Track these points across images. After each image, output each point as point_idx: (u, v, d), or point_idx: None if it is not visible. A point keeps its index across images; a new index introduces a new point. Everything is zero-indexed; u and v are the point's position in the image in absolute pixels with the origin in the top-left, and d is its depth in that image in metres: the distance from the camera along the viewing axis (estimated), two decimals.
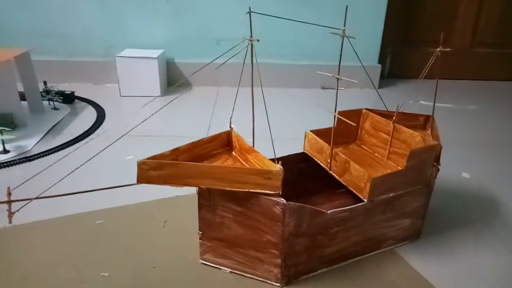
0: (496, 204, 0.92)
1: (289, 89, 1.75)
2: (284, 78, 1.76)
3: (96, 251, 0.72)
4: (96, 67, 1.71)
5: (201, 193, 0.64)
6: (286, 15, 1.74)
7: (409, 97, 1.68)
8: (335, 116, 0.74)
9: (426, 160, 0.70)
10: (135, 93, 1.59)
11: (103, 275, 0.66)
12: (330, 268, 0.70)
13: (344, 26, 0.70)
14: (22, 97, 1.34)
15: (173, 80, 1.76)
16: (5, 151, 1.08)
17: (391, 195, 0.69)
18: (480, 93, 1.81)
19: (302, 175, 0.87)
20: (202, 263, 0.70)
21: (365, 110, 0.88)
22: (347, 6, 0.69)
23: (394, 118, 0.79)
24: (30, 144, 1.13)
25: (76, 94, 1.55)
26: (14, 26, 1.65)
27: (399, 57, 1.92)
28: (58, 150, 1.11)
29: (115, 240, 0.76)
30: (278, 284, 0.66)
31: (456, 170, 1.07)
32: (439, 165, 0.72)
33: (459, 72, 1.94)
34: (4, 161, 1.03)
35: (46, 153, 1.09)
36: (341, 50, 0.72)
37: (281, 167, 0.60)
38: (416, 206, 0.74)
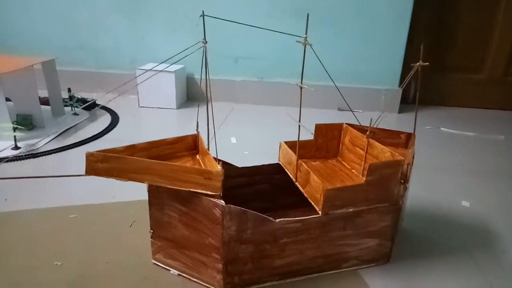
0: (489, 237, 0.83)
1: (305, 109, 1.74)
2: (299, 98, 1.75)
3: (58, 242, 0.75)
4: (122, 79, 1.80)
5: (150, 191, 0.65)
6: (302, 31, 1.75)
7: (431, 124, 1.60)
8: (299, 126, 0.72)
9: (390, 177, 0.66)
10: (152, 104, 1.66)
11: (56, 263, 0.69)
12: (282, 282, 0.67)
13: (306, 34, 0.69)
14: (47, 102, 1.46)
15: (193, 94, 1.81)
16: (16, 147, 1.16)
17: (350, 210, 0.66)
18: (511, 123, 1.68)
19: (278, 187, 0.85)
20: (154, 263, 0.70)
21: (346, 124, 0.85)
22: (308, 14, 0.69)
23: (368, 133, 0.76)
24: (41, 142, 1.22)
25: (98, 103, 1.65)
26: (52, 39, 1.81)
27: (427, 83, 1.84)
28: (65, 150, 1.18)
29: (80, 234, 0.78)
30: None
31: (457, 198, 0.99)
32: (407, 183, 0.67)
33: (491, 101, 1.82)
34: (12, 155, 1.12)
35: (53, 151, 1.17)
36: (304, 58, 0.71)
37: (222, 168, 0.59)
38: (383, 226, 0.69)
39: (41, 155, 1.14)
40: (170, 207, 0.64)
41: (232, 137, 1.34)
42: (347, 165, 0.83)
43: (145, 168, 0.60)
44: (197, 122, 0.76)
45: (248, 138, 1.35)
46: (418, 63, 0.75)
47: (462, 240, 0.82)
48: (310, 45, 0.69)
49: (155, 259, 0.70)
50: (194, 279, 0.66)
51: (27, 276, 0.66)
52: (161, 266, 0.69)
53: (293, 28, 1.71)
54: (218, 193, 0.59)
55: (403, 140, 0.82)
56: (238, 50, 1.73)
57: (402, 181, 0.67)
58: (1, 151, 1.14)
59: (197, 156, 0.74)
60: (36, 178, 0.99)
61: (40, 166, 1.09)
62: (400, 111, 1.76)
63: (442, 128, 1.53)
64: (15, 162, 1.10)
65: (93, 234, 0.78)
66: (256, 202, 0.84)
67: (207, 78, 0.67)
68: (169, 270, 0.68)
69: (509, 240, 0.82)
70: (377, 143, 0.74)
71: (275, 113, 1.67)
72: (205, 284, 0.65)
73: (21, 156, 1.12)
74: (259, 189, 0.85)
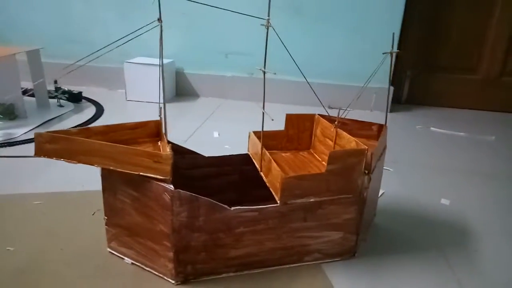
0: (464, 235, 0.80)
1: (295, 106, 1.72)
2: (292, 95, 1.73)
3: (16, 227, 0.73)
4: (112, 73, 1.80)
5: (103, 175, 0.63)
6: (298, 29, 1.73)
7: (422, 123, 1.57)
8: (263, 113, 0.70)
9: (353, 166, 0.63)
10: (139, 98, 1.64)
11: (8, 249, 0.67)
12: (239, 273, 0.65)
13: (269, 16, 0.66)
14: (31, 93, 1.45)
15: (182, 89, 1.80)
16: None
17: (312, 200, 0.63)
18: (505, 125, 1.63)
19: (248, 178, 0.82)
20: (110, 252, 0.68)
21: (318, 115, 0.82)
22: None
23: (336, 122, 0.73)
24: (20, 132, 1.20)
25: (88, 96, 1.64)
26: (45, 31, 1.80)
27: (420, 83, 1.81)
28: None
29: (41, 220, 0.76)
30: (173, 281, 0.61)
31: (437, 196, 0.96)
32: (371, 174, 0.65)
33: (486, 103, 1.78)
34: None
35: (31, 140, 1.15)
36: (267, 40, 0.69)
37: (171, 151, 0.57)
38: (347, 218, 0.67)
39: (19, 144, 1.13)
40: (123, 193, 0.62)
41: (215, 132, 1.31)
42: (318, 157, 0.80)
43: (94, 150, 0.58)
44: (160, 107, 0.74)
45: (232, 132, 1.33)
46: (390, 51, 0.72)
47: (436, 237, 0.79)
48: (273, 28, 0.67)
49: (110, 248, 0.68)
50: (147, 268, 0.64)
51: None
52: (116, 255, 0.67)
53: (286, 24, 1.69)
54: (168, 178, 0.57)
55: (375, 132, 0.79)
56: (229, 45, 1.71)
57: (366, 172, 0.64)
58: None
59: (159, 143, 0.72)
60: None
61: (16, 154, 1.07)
62: (392, 110, 1.72)
63: (432, 128, 1.49)
64: None
65: (53, 221, 0.76)
66: (225, 194, 0.82)
67: (161, 58, 0.65)
68: (123, 259, 0.66)
69: (483, 240, 0.79)
70: (344, 133, 0.72)
71: (267, 110, 1.64)
72: (157, 273, 0.63)
73: None
74: (229, 180, 0.83)
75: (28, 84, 1.45)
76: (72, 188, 0.89)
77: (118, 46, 0.75)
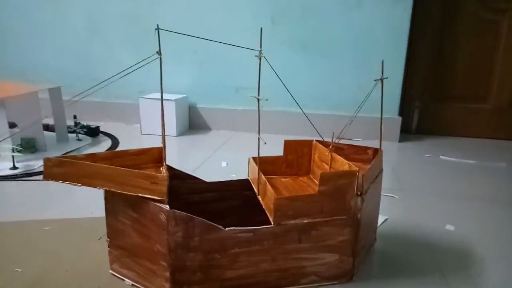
0: (468, 261, 0.79)
1: (303, 137, 1.74)
2: (301, 126, 1.76)
3: (25, 251, 0.77)
4: (129, 109, 1.89)
5: (106, 198, 0.66)
6: (304, 64, 1.79)
7: (432, 152, 1.56)
8: (259, 139, 0.73)
9: (345, 188, 0.64)
10: (153, 132, 1.71)
11: (17, 270, 0.70)
12: None
13: (260, 48, 0.71)
14: (53, 128, 1.54)
15: (195, 122, 1.86)
16: (14, 167, 1.22)
17: (305, 221, 0.64)
18: None
19: (249, 203, 0.84)
20: (112, 274, 0.70)
21: (315, 141, 0.85)
22: (261, 28, 0.71)
23: (330, 147, 0.75)
24: (38, 164, 1.27)
25: (105, 130, 1.72)
26: (66, 70, 1.93)
27: (430, 113, 1.82)
28: None
29: (49, 244, 0.79)
30: None
31: (442, 222, 0.94)
32: (363, 195, 0.66)
33: (497, 132, 1.76)
34: (8, 174, 1.17)
35: None
36: (259, 71, 0.73)
37: (167, 173, 0.60)
38: (341, 240, 0.67)
39: (36, 175, 1.19)
40: (124, 214, 0.65)
41: (223, 162, 1.35)
42: (316, 182, 0.82)
43: (96, 172, 0.62)
44: (164, 135, 0.78)
45: (240, 162, 1.35)
46: (380, 77, 0.76)
47: (438, 262, 0.77)
48: (265, 58, 0.71)
49: (112, 269, 0.70)
50: None
51: None
52: (118, 276, 0.69)
53: (292, 59, 1.75)
54: (164, 198, 0.60)
55: (370, 156, 0.80)
56: (239, 80, 1.78)
57: (359, 193, 0.66)
58: (0, 170, 1.20)
59: (161, 168, 0.76)
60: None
61: (32, 185, 1.13)
62: (402, 140, 1.73)
63: (441, 156, 1.48)
64: (11, 181, 1.15)
65: (61, 245, 0.79)
66: (226, 219, 0.83)
67: (161, 89, 0.70)
68: (124, 280, 0.68)
69: (488, 265, 0.77)
70: (338, 157, 0.74)
71: (272, 141, 1.68)
72: None
73: (16, 175, 1.17)
74: (230, 205, 0.85)
75: (50, 121, 1.54)
76: (82, 215, 0.93)
77: (120, 78, 0.80)
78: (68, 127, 1.58)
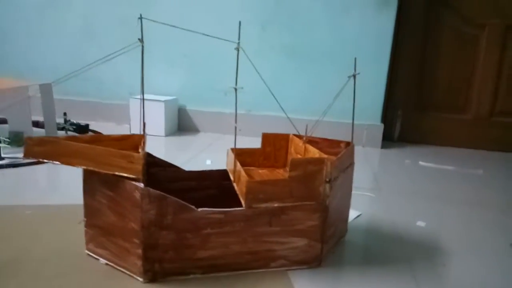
0: (434, 253, 0.81)
1: None
2: (287, 130, 1.80)
3: (5, 231, 0.78)
4: (120, 109, 1.91)
5: (85, 178, 0.69)
6: (293, 69, 1.83)
7: (411, 158, 1.60)
8: (235, 127, 0.76)
9: (314, 174, 0.67)
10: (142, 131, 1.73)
11: None
12: (206, 275, 0.67)
13: (239, 40, 0.75)
14: (42, 125, 1.56)
15: (184, 124, 1.89)
16: (1, 158, 1.24)
17: (275, 205, 0.67)
18: (494, 162, 1.65)
19: (227, 193, 0.87)
20: (87, 254, 0.72)
21: (292, 135, 0.88)
22: (240, 22, 0.75)
23: (304, 138, 0.79)
24: None
25: (95, 129, 1.75)
26: (59, 69, 1.96)
27: (412, 122, 1.86)
28: (44, 163, 1.25)
29: (29, 226, 0.81)
30: (142, 279, 0.65)
31: (414, 219, 0.97)
32: (330, 181, 0.69)
33: (477, 142, 1.81)
34: None
35: (32, 163, 1.23)
36: (237, 61, 0.76)
37: (143, 152, 0.63)
38: (310, 225, 0.70)
39: (22, 166, 1.21)
40: (101, 193, 0.67)
41: (208, 160, 1.38)
42: None
43: (75, 151, 0.64)
44: (144, 123, 0.81)
45: (223, 161, 1.39)
46: (353, 73, 0.79)
47: (406, 254, 0.80)
48: (243, 50, 0.75)
49: (87, 249, 0.72)
50: (119, 268, 0.67)
51: None
52: (92, 256, 0.71)
53: (281, 64, 1.80)
54: (139, 177, 0.63)
55: (343, 149, 0.84)
56: (228, 84, 1.82)
57: (327, 180, 0.69)
58: None
59: (139, 149, 0.78)
60: None
61: (17, 173, 1.15)
62: (385, 147, 1.76)
63: (420, 162, 1.52)
64: None
65: (41, 227, 0.81)
66: (205, 207, 0.86)
67: (142, 76, 0.73)
68: (98, 259, 0.70)
69: (453, 256, 0.80)
70: (312, 148, 0.77)
71: (258, 143, 1.71)
72: (128, 272, 0.66)
73: (2, 165, 1.19)
74: (208, 194, 0.87)
75: (40, 118, 1.57)
76: (66, 202, 0.95)
77: (93, 66, 0.83)
78: (58, 124, 1.60)
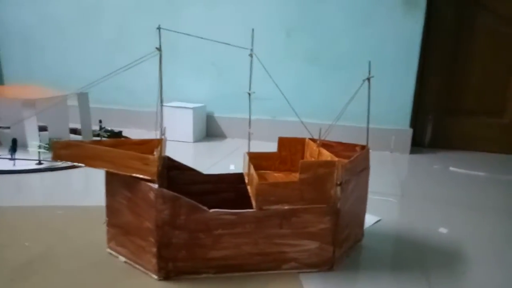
0: (454, 260, 0.79)
1: None
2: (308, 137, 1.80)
3: (36, 229, 0.84)
4: (150, 116, 1.99)
5: (107, 180, 0.73)
6: (317, 75, 1.83)
7: (441, 164, 1.55)
8: (249, 133, 0.78)
9: (325, 177, 0.68)
10: (172, 138, 1.79)
11: (26, 244, 0.77)
12: (218, 275, 0.69)
13: (252, 46, 0.77)
14: (80, 132, 1.66)
15: (212, 131, 1.94)
16: (40, 163, 1.33)
17: (286, 207, 0.68)
18: None
19: (243, 196, 0.89)
20: (109, 252, 0.76)
21: (308, 139, 0.89)
22: (253, 29, 0.77)
23: (318, 142, 0.79)
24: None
25: (127, 135, 1.83)
26: (94, 79, 2.07)
27: (443, 126, 1.80)
28: (79, 168, 1.33)
29: (58, 225, 0.87)
30: (156, 277, 0.68)
31: (436, 225, 0.95)
32: (341, 184, 0.69)
33: None
34: (34, 168, 1.28)
35: (69, 167, 1.31)
36: (251, 66, 0.78)
37: (157, 155, 0.66)
38: (322, 228, 0.70)
39: (59, 170, 1.29)
40: (121, 194, 0.71)
41: (232, 165, 1.40)
42: None
43: (97, 154, 0.69)
44: (164, 127, 0.85)
45: None
46: (368, 76, 0.79)
47: (423, 261, 0.78)
48: (256, 56, 0.77)
49: (109, 247, 0.76)
50: (136, 265, 0.71)
51: None
52: (113, 254, 0.75)
53: (305, 71, 1.81)
54: (154, 178, 0.66)
55: (358, 152, 0.83)
56: (254, 91, 1.85)
57: (339, 183, 0.69)
58: (28, 165, 1.31)
59: (154, 152, 0.82)
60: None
61: (54, 177, 1.23)
62: (415, 152, 1.72)
63: (451, 168, 1.47)
64: (36, 173, 1.25)
65: (69, 226, 0.87)
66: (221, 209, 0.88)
67: (161, 83, 0.77)
68: (118, 257, 0.74)
69: (474, 265, 0.77)
70: (324, 151, 0.77)
71: None
72: (144, 269, 0.70)
73: (41, 169, 1.28)
74: (225, 197, 0.89)
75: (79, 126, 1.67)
76: (94, 203, 1.01)
77: (116, 74, 0.87)
78: (94, 131, 1.70)
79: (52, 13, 2.08)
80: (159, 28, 0.75)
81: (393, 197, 1.12)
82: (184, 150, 1.69)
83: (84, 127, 1.64)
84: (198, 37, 0.87)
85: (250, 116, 0.80)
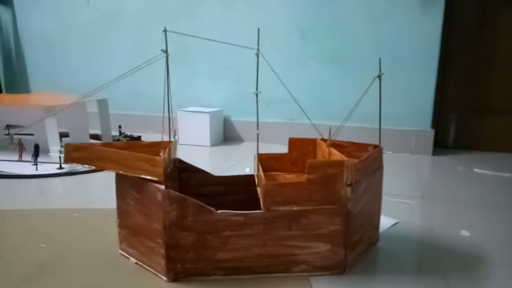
0: (475, 264, 0.75)
1: None
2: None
3: (53, 231, 0.86)
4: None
5: (116, 181, 0.74)
6: (333, 76, 1.81)
7: (465, 165, 1.49)
8: (258, 134, 0.77)
9: (334, 177, 0.66)
10: (189, 142, 1.81)
11: (41, 245, 0.79)
12: (227, 277, 0.68)
13: (258, 46, 0.76)
14: (101, 138, 1.70)
15: (229, 134, 1.94)
16: (61, 167, 1.36)
17: (294, 208, 0.67)
18: None
19: (255, 198, 0.87)
20: (120, 253, 0.76)
21: (319, 140, 0.87)
22: (258, 29, 0.76)
23: (328, 142, 0.77)
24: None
25: (145, 139, 1.86)
26: (115, 86, 2.11)
27: (467, 126, 1.74)
28: (99, 172, 1.35)
29: (73, 227, 0.88)
30: (165, 278, 0.67)
31: (458, 228, 0.91)
32: (351, 185, 0.67)
33: None
34: (55, 172, 1.31)
35: (89, 171, 1.34)
36: (258, 66, 0.78)
37: (164, 156, 0.66)
38: (332, 229, 0.68)
39: (78, 174, 1.32)
40: (130, 196, 0.72)
41: (247, 168, 1.40)
42: None
43: (106, 156, 0.69)
44: (175, 130, 0.85)
45: None
46: (378, 74, 0.77)
47: (442, 264, 0.75)
48: (263, 56, 0.76)
49: (120, 249, 0.76)
50: (146, 267, 0.71)
51: (14, 252, 0.77)
52: (124, 255, 0.75)
53: (322, 73, 1.79)
54: (161, 179, 0.66)
55: (371, 152, 0.81)
56: (270, 95, 1.84)
57: (349, 183, 0.67)
58: (49, 168, 1.35)
59: (161, 153, 0.82)
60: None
61: (74, 181, 1.26)
62: (438, 154, 1.66)
63: (475, 169, 1.41)
64: (57, 177, 1.29)
65: (84, 229, 0.88)
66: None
67: (168, 85, 0.77)
68: (129, 259, 0.74)
69: (497, 270, 0.73)
70: (335, 151, 0.75)
71: None
72: (154, 271, 0.70)
73: (61, 173, 1.31)
74: (236, 199, 0.89)
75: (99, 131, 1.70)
76: (110, 206, 1.02)
77: (124, 77, 0.89)
78: (113, 136, 1.73)
79: (75, 21, 2.15)
80: (165, 31, 0.76)
81: (412, 199, 1.09)
82: (201, 154, 1.70)
83: (104, 132, 1.68)
84: (206, 39, 0.88)
85: (257, 117, 0.80)
